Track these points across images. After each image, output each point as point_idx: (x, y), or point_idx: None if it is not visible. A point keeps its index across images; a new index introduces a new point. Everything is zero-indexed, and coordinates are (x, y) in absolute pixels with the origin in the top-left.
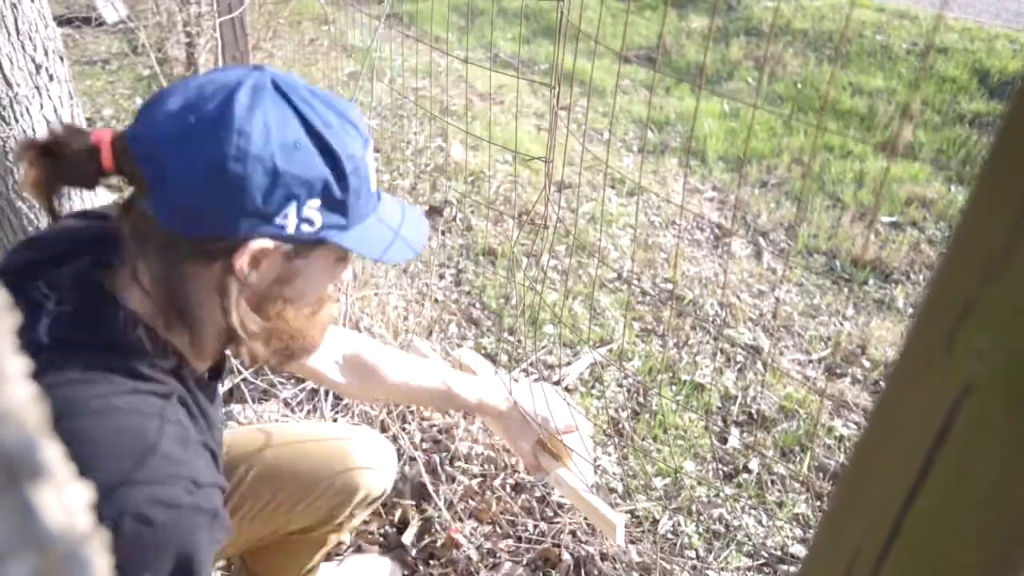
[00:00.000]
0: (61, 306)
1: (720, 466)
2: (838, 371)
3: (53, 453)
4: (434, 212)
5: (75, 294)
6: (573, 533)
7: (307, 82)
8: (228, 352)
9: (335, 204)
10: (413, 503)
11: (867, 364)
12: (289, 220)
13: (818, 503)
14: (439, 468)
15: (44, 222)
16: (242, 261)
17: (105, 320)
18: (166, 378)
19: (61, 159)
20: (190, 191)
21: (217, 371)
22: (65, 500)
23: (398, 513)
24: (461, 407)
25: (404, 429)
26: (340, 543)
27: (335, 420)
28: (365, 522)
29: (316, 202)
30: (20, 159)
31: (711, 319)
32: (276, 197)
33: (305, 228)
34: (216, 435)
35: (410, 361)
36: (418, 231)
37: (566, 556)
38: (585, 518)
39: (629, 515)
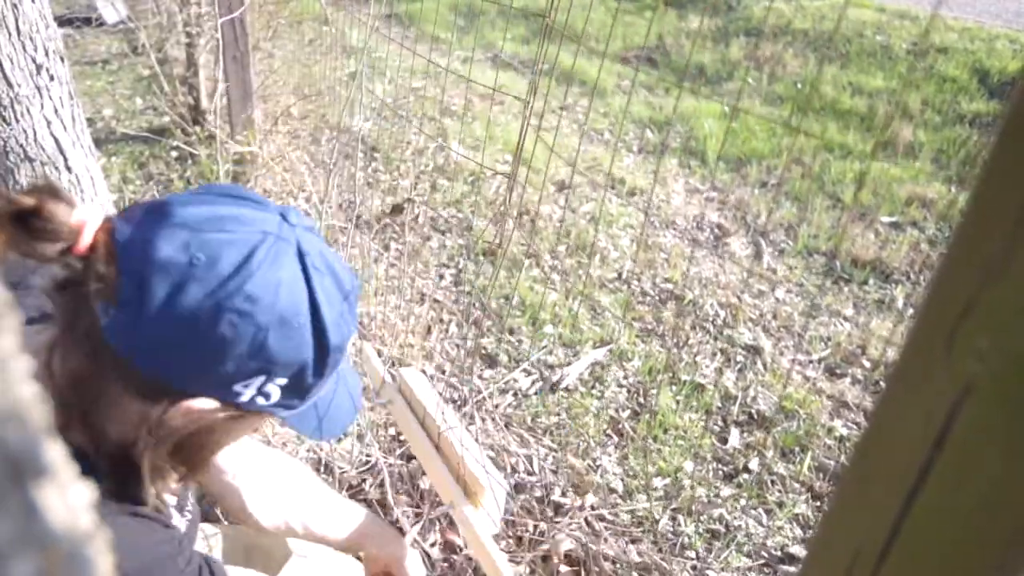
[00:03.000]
0: None
1: (720, 466)
2: (838, 371)
3: (56, 453)
4: (396, 211)
5: None
6: (573, 533)
7: (324, 241)
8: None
9: (300, 388)
10: (411, 504)
11: (867, 364)
12: (248, 391)
13: (818, 503)
14: None
15: None
16: (178, 413)
17: None
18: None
19: (38, 234)
20: (163, 331)
21: None
22: (68, 500)
23: (397, 513)
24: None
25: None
26: None
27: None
28: None
29: (283, 381)
30: None
31: (711, 319)
32: (249, 369)
33: (260, 400)
34: None
35: (328, 510)
36: (355, 393)
37: (566, 556)
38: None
39: (630, 515)
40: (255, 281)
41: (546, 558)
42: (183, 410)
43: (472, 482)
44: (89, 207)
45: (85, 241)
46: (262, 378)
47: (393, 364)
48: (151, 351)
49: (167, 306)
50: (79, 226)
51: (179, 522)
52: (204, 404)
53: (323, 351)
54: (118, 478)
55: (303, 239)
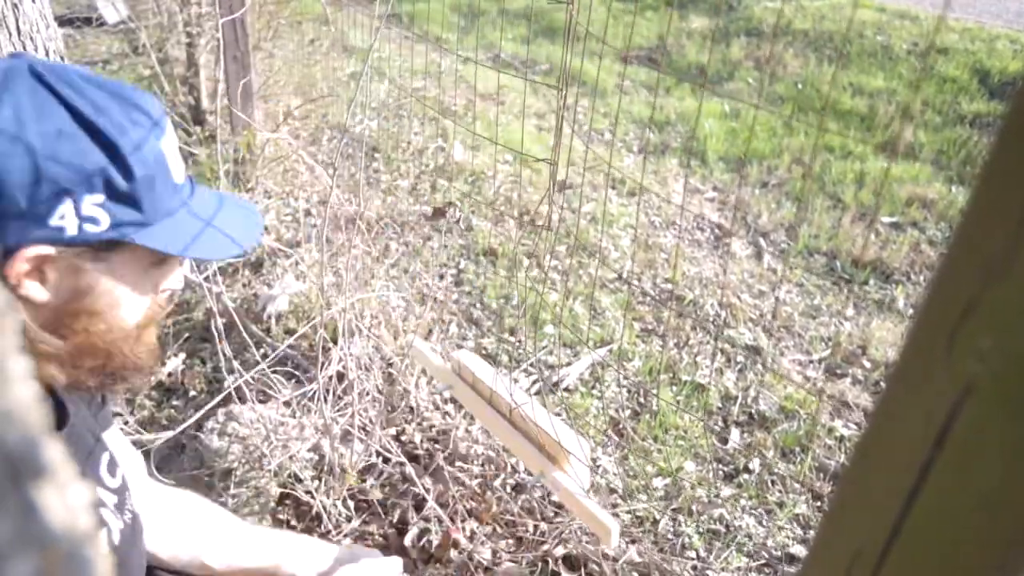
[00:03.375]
0: None
1: (720, 466)
2: (838, 371)
3: (55, 453)
4: (438, 213)
5: None
6: (573, 533)
7: (85, 70)
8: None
9: (122, 197)
10: (412, 504)
11: (867, 364)
12: (67, 221)
13: (818, 503)
14: (439, 469)
15: None
16: (17, 270)
17: None
18: None
19: None
20: None
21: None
22: (67, 500)
23: (397, 513)
24: None
25: (400, 439)
26: None
27: (336, 421)
28: (365, 523)
29: (98, 197)
30: None
31: (711, 319)
32: (43, 195)
33: (89, 228)
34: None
35: (241, 541)
36: (245, 224)
37: (566, 556)
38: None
39: (630, 515)
40: None
41: (544, 558)
42: (27, 268)
43: (555, 449)
44: None
45: None
46: (68, 201)
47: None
48: None
49: None
50: None
51: (113, 523)
52: (39, 251)
53: (114, 152)
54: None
55: (39, 64)
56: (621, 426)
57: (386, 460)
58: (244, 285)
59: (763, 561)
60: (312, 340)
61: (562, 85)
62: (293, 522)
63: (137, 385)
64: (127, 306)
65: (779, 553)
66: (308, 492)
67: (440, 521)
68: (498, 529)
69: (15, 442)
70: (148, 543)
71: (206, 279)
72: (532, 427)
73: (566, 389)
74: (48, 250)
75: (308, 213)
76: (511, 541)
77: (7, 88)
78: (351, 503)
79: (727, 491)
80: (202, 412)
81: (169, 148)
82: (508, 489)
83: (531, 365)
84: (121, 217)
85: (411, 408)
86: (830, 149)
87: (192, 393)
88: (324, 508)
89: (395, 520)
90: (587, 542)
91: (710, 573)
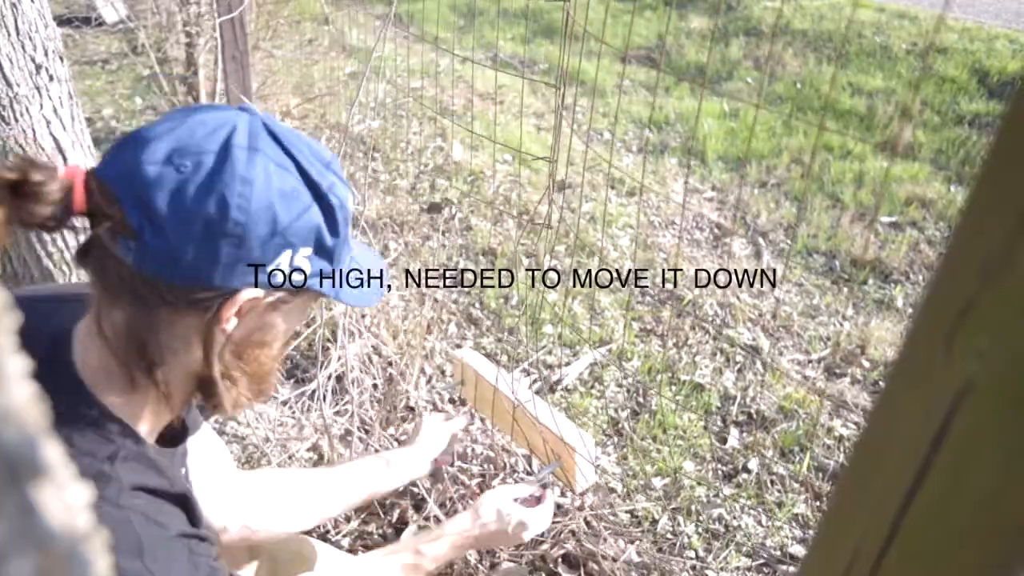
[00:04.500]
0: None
1: (719, 466)
2: (838, 371)
3: (54, 452)
4: (434, 210)
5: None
6: (573, 533)
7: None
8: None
9: (324, 251)
10: (412, 504)
11: (867, 364)
12: (282, 269)
13: (817, 503)
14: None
15: None
16: (231, 312)
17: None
18: (119, 468)
19: (31, 198)
20: (184, 238)
21: (179, 434)
22: (66, 499)
23: (396, 513)
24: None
25: (399, 439)
26: None
27: (335, 421)
28: (364, 522)
29: (308, 250)
30: None
31: (711, 319)
32: (273, 247)
33: (295, 277)
34: (190, 491)
35: (318, 480)
36: (382, 271)
37: (565, 556)
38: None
39: (629, 515)
40: (243, 165)
41: (544, 558)
42: (235, 308)
43: (559, 446)
44: (70, 166)
45: (79, 194)
46: (288, 252)
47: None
48: (180, 261)
49: (175, 214)
50: (68, 183)
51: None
52: (250, 295)
53: (328, 210)
54: (205, 397)
55: (268, 122)
56: (620, 426)
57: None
58: None
59: (762, 561)
60: (312, 339)
61: (560, 84)
62: None
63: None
64: (284, 338)
65: (778, 553)
66: None
67: (439, 521)
68: None
69: (13, 441)
70: (253, 524)
71: None
72: (537, 426)
73: (565, 389)
74: (259, 294)
75: None
76: None
77: (257, 148)
78: None
79: (726, 491)
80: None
81: (351, 205)
82: None
83: (530, 365)
84: (318, 269)
85: (411, 408)
86: (829, 149)
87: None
88: None
89: (394, 520)
90: (587, 542)
91: (709, 573)
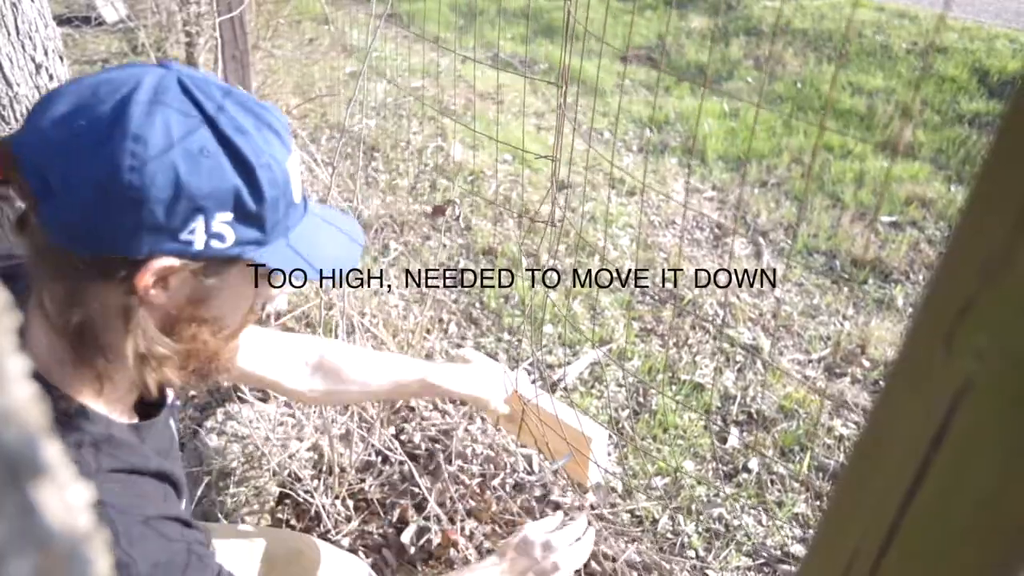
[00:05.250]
0: None
1: (720, 465)
2: (838, 371)
3: (54, 452)
4: (438, 211)
5: None
6: None
7: (221, 81)
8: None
9: (249, 217)
10: (412, 504)
11: (867, 364)
12: (196, 235)
13: (817, 503)
14: (438, 468)
15: None
16: (145, 281)
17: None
18: (86, 454)
19: None
20: (80, 204)
21: (152, 404)
22: (66, 499)
23: (396, 513)
24: (446, 396)
25: (399, 438)
26: None
27: (335, 420)
28: (364, 522)
29: (227, 215)
30: None
31: (711, 319)
32: (180, 211)
33: (215, 244)
34: (172, 468)
35: (376, 357)
36: (351, 242)
37: None
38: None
39: (629, 514)
40: (137, 124)
41: None
42: (153, 278)
43: (576, 438)
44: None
45: None
46: (200, 217)
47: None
48: (79, 228)
49: (71, 182)
50: None
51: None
52: (164, 263)
53: (249, 173)
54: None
55: (186, 76)
56: (621, 425)
57: (385, 459)
58: None
59: (762, 560)
60: None
61: (562, 82)
62: (293, 521)
63: (216, 381)
64: (231, 315)
65: (778, 552)
66: (307, 491)
67: (439, 520)
68: (497, 528)
69: (13, 441)
70: (291, 384)
71: None
72: (548, 422)
73: (565, 388)
74: (174, 262)
75: None
76: None
77: (160, 102)
78: (350, 502)
79: (726, 490)
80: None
81: (293, 168)
82: (507, 488)
83: (531, 364)
84: (244, 236)
85: (411, 408)
86: (829, 148)
87: (191, 392)
88: (323, 507)
89: (394, 519)
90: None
91: (709, 572)
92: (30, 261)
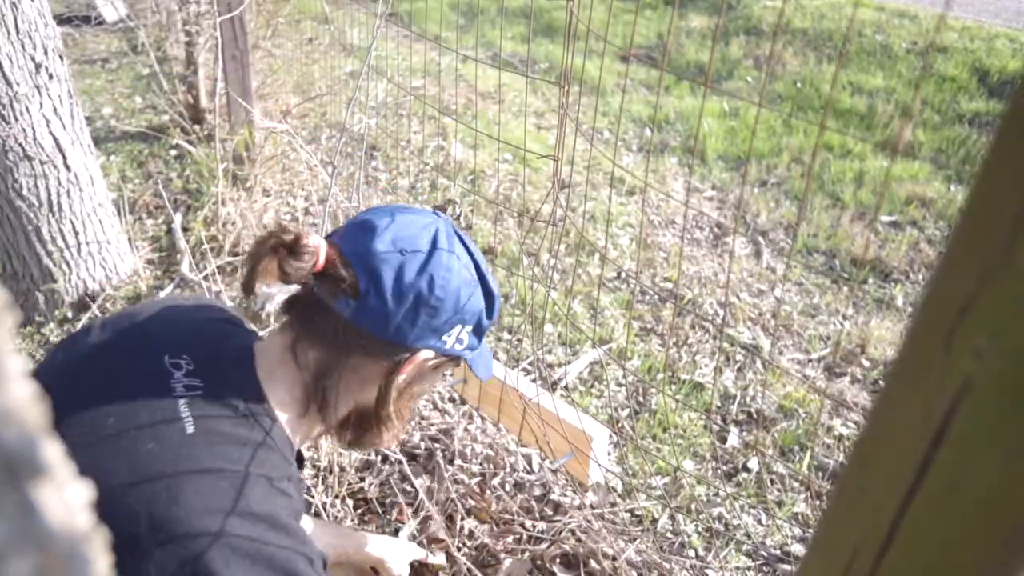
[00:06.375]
0: (202, 385)
1: (719, 465)
2: (837, 370)
3: (54, 452)
4: (438, 211)
5: (218, 375)
6: (572, 532)
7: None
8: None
9: (479, 331)
10: (410, 503)
11: (866, 363)
12: (451, 339)
13: (817, 502)
14: (438, 468)
15: (43, 221)
16: (409, 366)
17: (251, 414)
18: (292, 488)
19: (298, 256)
20: (398, 304)
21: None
22: (66, 499)
23: (395, 513)
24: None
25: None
26: None
27: None
28: (364, 521)
29: (470, 327)
30: (262, 247)
31: (711, 318)
32: (453, 321)
33: (457, 347)
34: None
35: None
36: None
37: (564, 555)
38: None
39: (629, 514)
40: (446, 257)
41: (544, 556)
42: (414, 364)
43: (578, 438)
44: (312, 236)
45: (321, 258)
46: (459, 327)
47: None
48: (389, 320)
49: (397, 285)
50: (316, 248)
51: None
52: (426, 355)
53: (490, 299)
54: (357, 433)
55: (454, 226)
56: (620, 425)
57: (385, 459)
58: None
59: (762, 560)
60: None
61: (564, 81)
62: None
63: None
64: (425, 393)
65: (778, 552)
66: (307, 490)
67: (439, 519)
68: (497, 528)
69: (13, 441)
70: None
71: (205, 278)
72: (549, 421)
73: (565, 388)
74: (431, 355)
75: (307, 212)
76: (510, 539)
77: (453, 245)
78: (350, 501)
79: (726, 490)
80: None
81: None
82: (507, 488)
83: (530, 364)
84: (472, 343)
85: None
86: (829, 148)
87: None
88: (323, 507)
89: (393, 518)
90: (586, 541)
91: (709, 572)
92: (294, 328)
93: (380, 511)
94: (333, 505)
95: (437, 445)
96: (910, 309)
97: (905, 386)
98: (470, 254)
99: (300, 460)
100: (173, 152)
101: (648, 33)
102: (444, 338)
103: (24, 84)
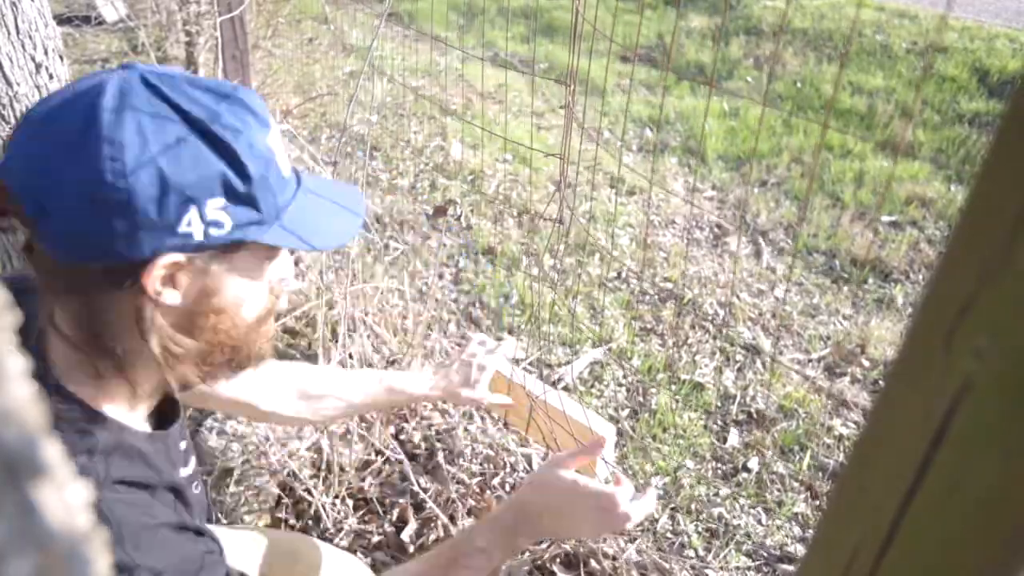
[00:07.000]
0: None
1: (719, 465)
2: (837, 370)
3: (54, 452)
4: (439, 212)
5: None
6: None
7: (187, 72)
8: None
9: (240, 198)
10: (411, 503)
11: (866, 363)
12: (194, 227)
13: (817, 502)
14: (438, 467)
15: None
16: (153, 281)
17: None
18: (98, 462)
19: None
20: (73, 216)
21: (168, 415)
22: (66, 499)
23: (396, 513)
24: (410, 400)
25: (399, 438)
26: None
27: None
28: (364, 521)
29: (219, 201)
30: None
31: (711, 318)
32: (171, 205)
33: (214, 232)
34: (183, 482)
35: (345, 375)
36: (350, 209)
37: (564, 554)
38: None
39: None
40: (108, 127)
41: (543, 556)
42: (161, 277)
43: (586, 437)
44: None
45: None
46: (193, 208)
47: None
48: (78, 240)
49: (58, 197)
50: None
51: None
52: (168, 260)
53: (231, 155)
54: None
55: (149, 73)
56: (620, 425)
57: (385, 459)
58: None
59: (762, 560)
60: (312, 339)
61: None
62: (292, 520)
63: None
64: (249, 301)
65: (778, 552)
66: (307, 490)
67: (439, 519)
68: None
69: (13, 441)
70: (267, 406)
71: None
72: (556, 417)
73: (565, 388)
74: (179, 257)
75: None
76: None
77: (128, 104)
78: (350, 501)
79: (726, 490)
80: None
81: (276, 144)
82: (507, 488)
83: (530, 364)
84: (241, 218)
85: (411, 407)
86: (829, 148)
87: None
88: (323, 507)
89: (394, 519)
90: (586, 541)
91: (709, 572)
92: (42, 282)
93: (380, 511)
94: (333, 505)
95: (437, 445)
96: (910, 309)
97: (905, 386)
98: (170, 104)
99: (172, 413)
100: None
101: (648, 33)
102: (181, 229)
103: (24, 84)
